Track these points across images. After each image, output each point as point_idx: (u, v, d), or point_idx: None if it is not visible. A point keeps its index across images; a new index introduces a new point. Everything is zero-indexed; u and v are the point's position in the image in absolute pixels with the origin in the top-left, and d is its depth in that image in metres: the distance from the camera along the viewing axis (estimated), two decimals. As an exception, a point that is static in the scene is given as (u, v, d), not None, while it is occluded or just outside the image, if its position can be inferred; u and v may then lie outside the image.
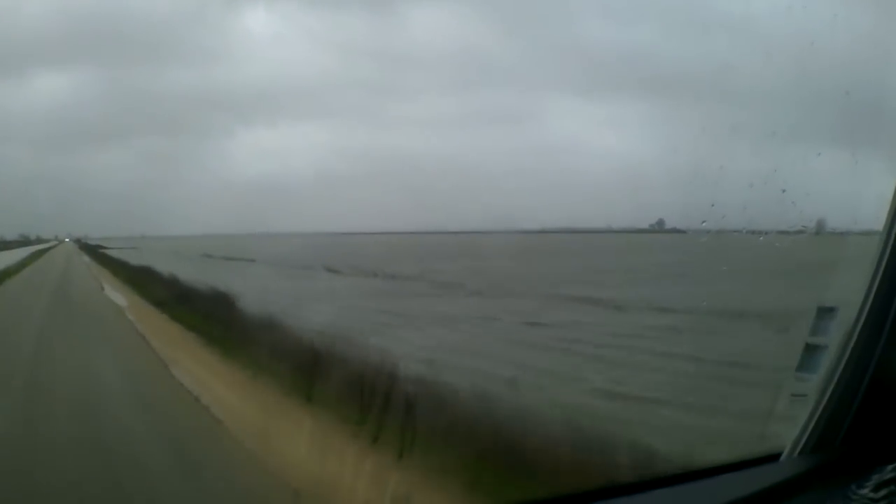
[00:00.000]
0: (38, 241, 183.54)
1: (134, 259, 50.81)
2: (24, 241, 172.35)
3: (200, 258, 70.51)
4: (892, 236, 2.38)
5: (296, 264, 58.03)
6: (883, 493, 2.10)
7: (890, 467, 2.18)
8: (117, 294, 30.43)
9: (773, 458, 2.51)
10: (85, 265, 59.09)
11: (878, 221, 2.49)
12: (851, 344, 2.47)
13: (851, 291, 2.63)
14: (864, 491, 2.13)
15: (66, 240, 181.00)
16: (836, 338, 2.67)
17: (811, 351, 3.37)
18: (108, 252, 77.14)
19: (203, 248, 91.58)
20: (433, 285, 43.18)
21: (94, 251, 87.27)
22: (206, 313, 18.90)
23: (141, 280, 33.57)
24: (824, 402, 2.48)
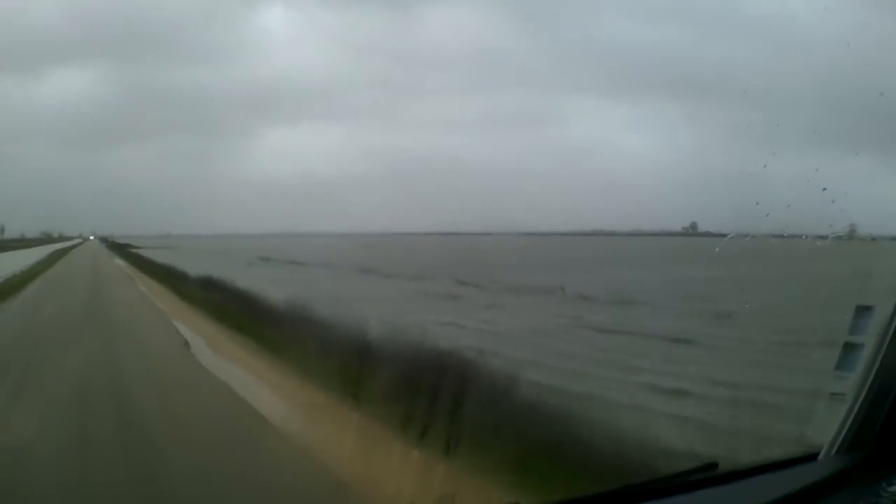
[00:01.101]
0: (62, 238, 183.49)
1: (183, 264, 39.32)
2: (45, 239, 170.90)
3: (261, 262, 61.99)
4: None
5: (405, 273, 45.72)
6: None
7: None
8: (244, 374, 12.11)
9: (811, 457, 2.53)
10: (123, 273, 43.58)
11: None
12: (886, 342, 2.52)
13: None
14: (894, 488, 2.16)
15: (91, 238, 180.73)
16: (873, 336, 2.67)
17: (849, 349, 3.41)
18: (141, 252, 70.31)
19: (248, 249, 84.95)
20: (683, 315, 25.86)
21: (125, 251, 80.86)
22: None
23: (239, 312, 17.84)
24: (860, 400, 2.52)
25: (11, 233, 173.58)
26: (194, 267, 35.62)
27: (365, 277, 45.89)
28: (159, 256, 55.10)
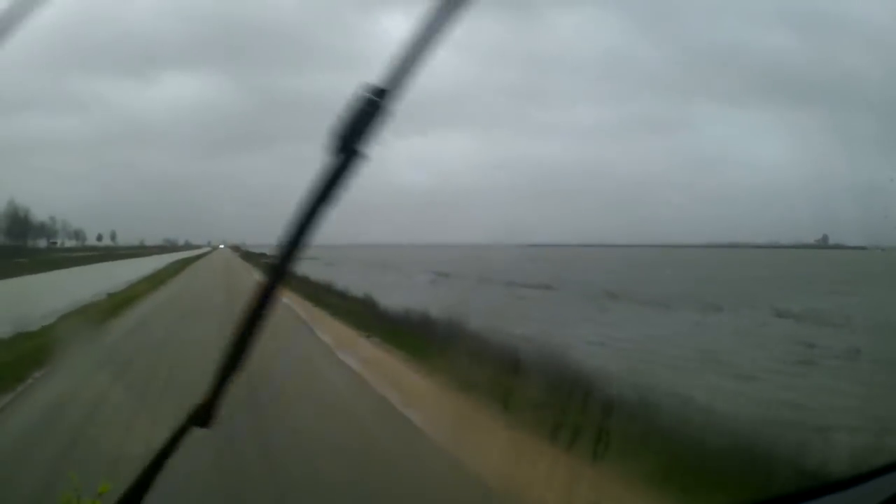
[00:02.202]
0: (188, 246, 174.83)
1: (352, 284, 30.91)
2: (167, 247, 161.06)
3: (442, 279, 50.68)
4: None
5: (651, 298, 37.16)
6: None
7: None
8: None
9: None
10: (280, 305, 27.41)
11: None
12: None
13: None
14: None
15: (221, 245, 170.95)
16: None
17: None
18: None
19: (405, 262, 75.63)
20: None
21: (264, 262, 66.38)
22: None
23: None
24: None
25: (128, 240, 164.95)
26: (369, 289, 26.68)
27: (624, 306, 35.45)
28: (311, 270, 42.59)
